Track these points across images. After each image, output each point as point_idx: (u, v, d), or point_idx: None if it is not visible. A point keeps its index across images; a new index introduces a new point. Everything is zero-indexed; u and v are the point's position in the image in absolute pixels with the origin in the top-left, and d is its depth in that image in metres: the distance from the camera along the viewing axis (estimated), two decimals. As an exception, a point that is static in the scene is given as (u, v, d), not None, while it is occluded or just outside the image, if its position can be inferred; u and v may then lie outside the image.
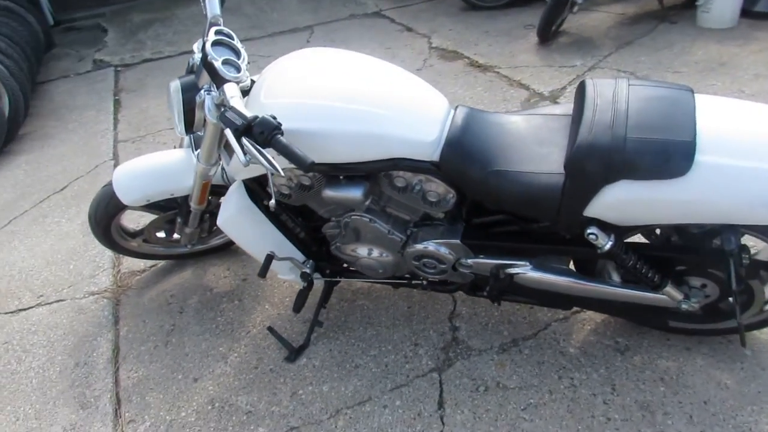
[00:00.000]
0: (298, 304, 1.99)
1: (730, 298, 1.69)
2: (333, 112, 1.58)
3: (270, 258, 1.98)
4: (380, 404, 1.82)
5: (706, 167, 1.36)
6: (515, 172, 1.56)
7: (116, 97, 4.46)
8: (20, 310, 2.41)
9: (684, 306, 1.64)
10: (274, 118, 1.45)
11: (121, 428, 1.86)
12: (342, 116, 1.58)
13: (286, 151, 1.40)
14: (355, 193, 1.70)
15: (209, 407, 1.89)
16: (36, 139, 3.90)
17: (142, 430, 1.84)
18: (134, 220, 2.53)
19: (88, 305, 2.38)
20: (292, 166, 1.49)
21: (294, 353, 2.03)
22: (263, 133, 1.41)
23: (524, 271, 1.73)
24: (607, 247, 1.53)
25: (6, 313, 2.40)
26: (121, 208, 2.09)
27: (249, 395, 1.91)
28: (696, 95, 1.51)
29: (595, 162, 1.41)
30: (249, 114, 1.44)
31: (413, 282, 1.99)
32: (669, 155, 1.37)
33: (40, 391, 2.02)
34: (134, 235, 2.33)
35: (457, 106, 1.72)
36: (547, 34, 4.26)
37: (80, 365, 2.10)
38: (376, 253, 1.88)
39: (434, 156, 1.61)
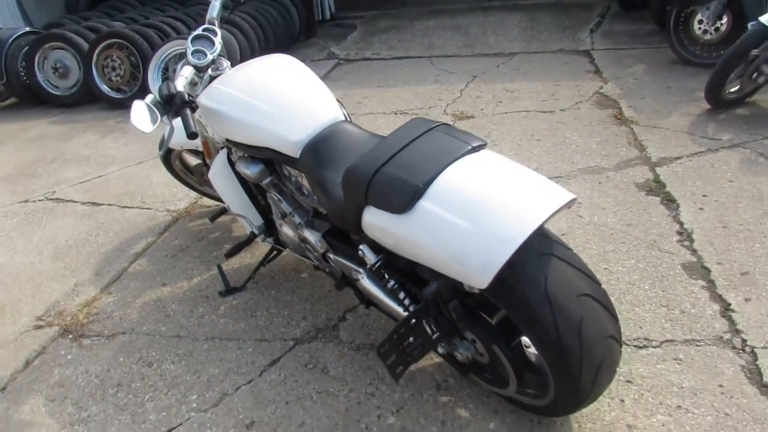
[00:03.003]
0: (231, 252, 2.47)
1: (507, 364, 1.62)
2: (239, 100, 2.01)
3: (223, 210, 2.49)
4: (239, 345, 2.20)
5: (423, 211, 1.44)
6: (332, 179, 1.78)
7: (316, 83, 5.38)
8: (127, 207, 3.36)
9: (440, 350, 1.65)
10: (191, 96, 1.96)
11: (99, 294, 2.59)
12: (243, 105, 2.00)
13: (184, 120, 1.90)
14: (252, 170, 2.10)
15: (151, 303, 2.50)
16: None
17: (108, 300, 2.54)
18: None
19: (159, 216, 3.21)
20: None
21: (227, 291, 2.51)
22: (176, 103, 1.93)
23: (360, 278, 1.92)
24: (369, 264, 1.66)
25: (120, 206, 3.38)
26: (170, 149, 2.81)
27: (178, 305, 2.46)
28: (481, 152, 1.54)
29: (353, 183, 1.58)
30: (178, 89, 1.98)
31: (320, 266, 2.28)
32: (398, 192, 1.48)
33: (87, 254, 2.89)
34: (192, 172, 3.05)
35: (344, 120, 1.98)
36: (717, 100, 3.77)
37: (120, 250, 2.92)
38: (287, 230, 2.24)
39: (296, 153, 1.92)
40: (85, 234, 3.11)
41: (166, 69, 4.91)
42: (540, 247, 1.45)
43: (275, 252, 2.51)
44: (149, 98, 1.97)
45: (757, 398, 1.77)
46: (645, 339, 2.03)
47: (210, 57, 2.19)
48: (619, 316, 1.55)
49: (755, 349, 1.94)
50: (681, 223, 2.67)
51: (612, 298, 2.15)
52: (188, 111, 1.92)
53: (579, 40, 5.84)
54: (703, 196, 2.87)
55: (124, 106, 5.07)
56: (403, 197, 1.46)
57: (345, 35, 6.90)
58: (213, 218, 2.77)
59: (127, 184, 3.63)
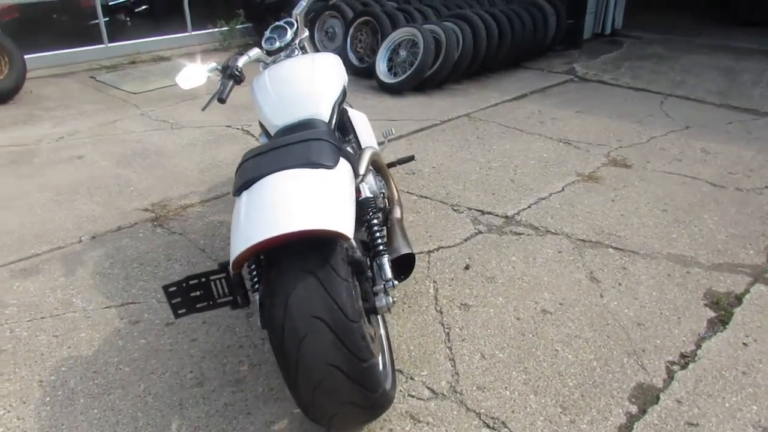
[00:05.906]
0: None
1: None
2: (264, 85, 2.46)
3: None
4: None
5: (240, 201, 1.75)
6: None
7: (528, 92, 5.41)
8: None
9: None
10: (239, 70, 2.51)
11: (197, 204, 3.38)
12: (263, 89, 2.45)
13: (222, 87, 2.47)
14: (262, 140, 2.56)
15: (215, 223, 3.18)
16: (447, 90, 5.41)
17: (197, 210, 3.31)
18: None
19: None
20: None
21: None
22: (226, 73, 2.51)
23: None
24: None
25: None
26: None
27: (228, 232, 3.11)
28: (318, 170, 1.73)
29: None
30: (237, 64, 2.55)
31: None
32: (238, 180, 1.79)
33: (220, 175, 3.72)
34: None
35: (320, 119, 2.27)
36: None
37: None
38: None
39: (273, 133, 2.31)
40: (232, 159, 3.97)
41: (394, 50, 5.52)
42: (308, 264, 1.61)
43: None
44: (211, 65, 2.56)
45: None
46: (496, 419, 1.92)
47: (278, 44, 2.66)
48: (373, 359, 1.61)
49: (592, 489, 1.70)
50: (698, 347, 2.24)
51: (523, 377, 2.14)
52: (230, 82, 2.46)
53: None
54: (768, 334, 2.31)
55: (359, 74, 5.89)
56: (238, 185, 1.78)
57: (603, 53, 6.58)
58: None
59: (294, 135, 4.40)
